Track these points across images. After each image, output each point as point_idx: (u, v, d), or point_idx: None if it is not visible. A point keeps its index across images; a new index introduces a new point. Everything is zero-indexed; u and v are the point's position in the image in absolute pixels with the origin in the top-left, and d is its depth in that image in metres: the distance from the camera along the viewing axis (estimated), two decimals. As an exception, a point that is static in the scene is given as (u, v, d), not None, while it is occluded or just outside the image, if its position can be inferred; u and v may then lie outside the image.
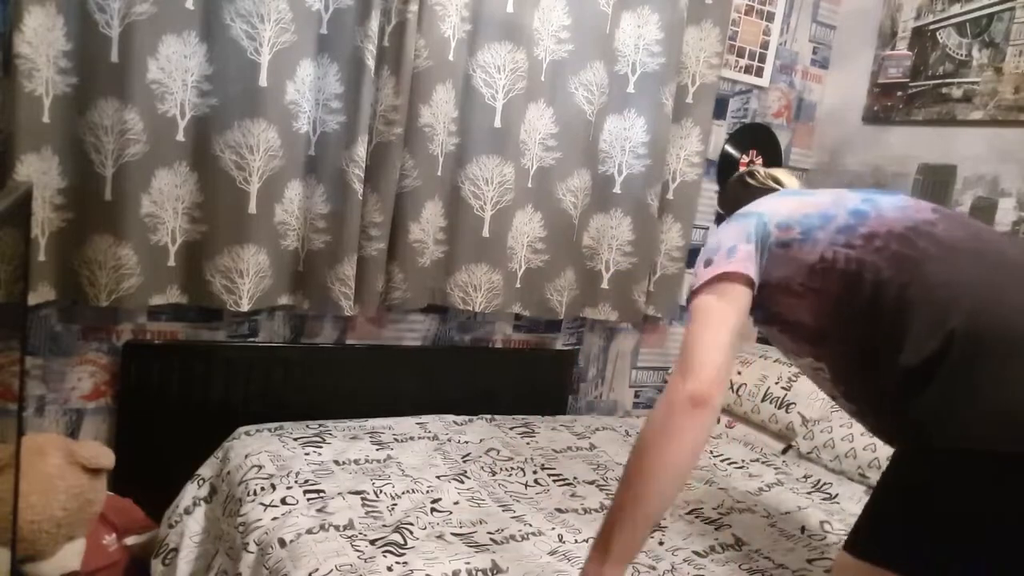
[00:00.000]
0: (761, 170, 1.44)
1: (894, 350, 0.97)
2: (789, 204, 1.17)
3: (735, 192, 1.44)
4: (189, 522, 1.64)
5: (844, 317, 1.05)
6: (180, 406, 1.85)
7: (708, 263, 1.13)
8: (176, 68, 1.68)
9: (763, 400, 2.22)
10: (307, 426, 1.84)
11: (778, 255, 1.12)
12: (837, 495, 1.86)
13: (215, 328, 1.93)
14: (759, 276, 1.12)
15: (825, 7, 2.63)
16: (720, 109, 2.50)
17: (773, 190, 1.37)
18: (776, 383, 2.23)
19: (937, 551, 0.89)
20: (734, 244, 1.13)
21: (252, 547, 1.35)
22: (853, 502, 1.83)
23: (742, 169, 1.49)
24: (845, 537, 1.02)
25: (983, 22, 2.17)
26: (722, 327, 1.06)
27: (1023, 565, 0.85)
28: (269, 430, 1.78)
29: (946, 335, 0.92)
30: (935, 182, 2.28)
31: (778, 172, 1.42)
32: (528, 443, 1.96)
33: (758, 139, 2.59)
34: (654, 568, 1.39)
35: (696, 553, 1.47)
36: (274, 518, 1.39)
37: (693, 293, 1.13)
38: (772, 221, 1.15)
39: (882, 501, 0.97)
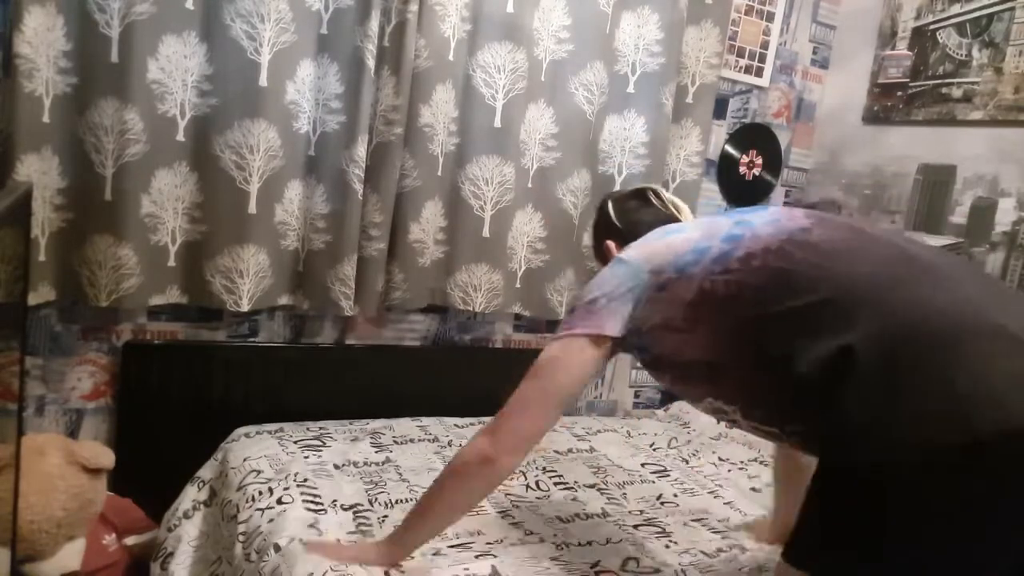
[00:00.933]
0: (664, 193, 1.40)
1: (788, 365, 0.95)
2: (661, 246, 1.16)
3: (634, 208, 1.39)
4: (187, 526, 1.63)
5: (732, 343, 1.03)
6: (180, 406, 1.85)
7: (571, 311, 1.17)
8: (176, 68, 1.68)
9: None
10: (307, 428, 1.83)
11: (657, 299, 1.11)
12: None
13: (215, 328, 1.93)
14: (626, 327, 1.13)
15: (825, 7, 2.63)
16: (720, 109, 2.50)
17: (673, 216, 1.35)
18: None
19: (875, 562, 0.85)
20: (597, 296, 1.15)
21: (253, 556, 1.34)
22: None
23: (639, 186, 1.45)
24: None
25: (983, 22, 2.17)
26: (552, 405, 1.13)
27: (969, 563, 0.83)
28: (269, 432, 1.78)
29: (844, 343, 0.89)
30: (935, 182, 2.28)
31: (676, 200, 1.39)
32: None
33: (758, 139, 2.59)
34: (659, 573, 1.39)
35: (704, 553, 1.47)
36: (270, 520, 1.39)
37: (556, 335, 1.16)
38: (645, 268, 1.14)
39: (814, 512, 0.92)
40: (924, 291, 0.91)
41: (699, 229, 1.15)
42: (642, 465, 1.93)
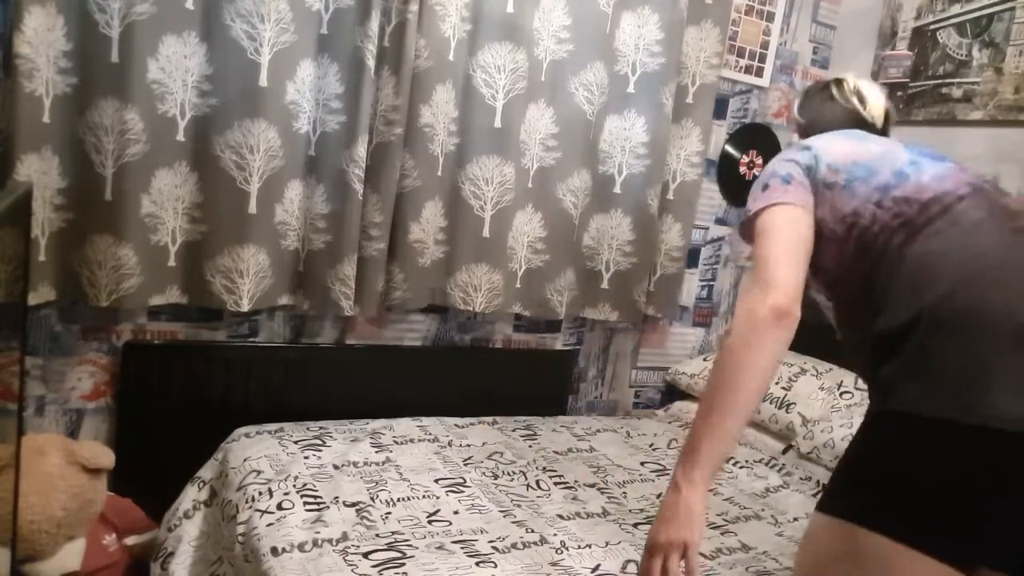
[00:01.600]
0: (851, 81, 1.39)
1: (874, 313, 1.02)
2: (844, 147, 1.18)
3: (817, 102, 1.41)
4: (188, 526, 1.63)
5: (852, 271, 1.09)
6: (180, 406, 1.85)
7: (765, 187, 1.16)
8: (176, 68, 1.68)
9: (763, 400, 2.22)
10: (307, 428, 1.83)
11: (822, 194, 1.14)
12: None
13: (215, 328, 1.93)
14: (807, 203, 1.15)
15: (825, 7, 2.63)
16: (720, 109, 2.50)
17: (855, 111, 1.36)
18: (776, 383, 2.23)
19: (884, 506, 0.91)
20: (789, 173, 1.16)
21: (251, 557, 1.34)
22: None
23: (831, 77, 1.44)
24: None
25: (983, 22, 2.17)
26: (792, 242, 1.10)
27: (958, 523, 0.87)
28: (269, 432, 1.78)
29: (917, 310, 0.95)
30: (935, 182, 2.28)
31: (865, 87, 1.38)
32: (530, 445, 1.96)
33: (758, 139, 2.59)
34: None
35: (703, 555, 1.47)
36: (269, 524, 1.39)
37: (752, 216, 1.15)
38: (824, 160, 1.16)
39: (844, 460, 1.00)
40: (1007, 290, 0.92)
41: (882, 147, 1.17)
42: (642, 464, 1.93)
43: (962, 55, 2.22)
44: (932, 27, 2.32)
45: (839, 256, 1.11)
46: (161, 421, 1.83)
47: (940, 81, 2.28)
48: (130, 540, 1.69)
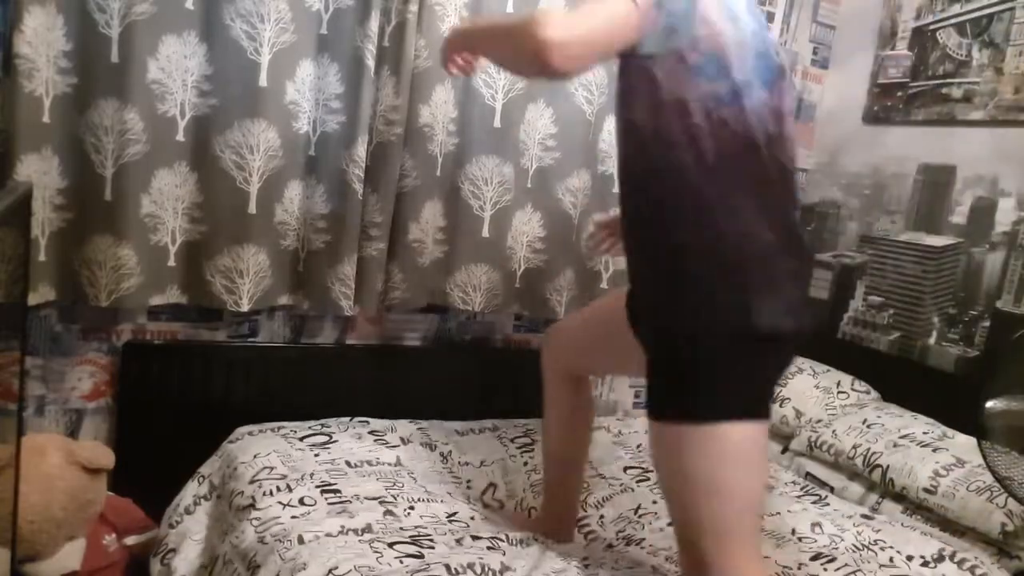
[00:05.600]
0: None
1: None
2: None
3: None
4: (190, 522, 1.64)
5: None
6: (180, 406, 1.85)
7: None
8: (176, 68, 1.68)
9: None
10: (308, 427, 1.83)
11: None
12: (826, 496, 1.86)
13: (215, 328, 1.93)
14: None
15: (825, 7, 2.63)
16: (720, 109, 2.49)
17: None
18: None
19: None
20: None
21: (268, 539, 1.35)
22: (845, 504, 1.83)
23: None
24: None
25: (983, 22, 2.17)
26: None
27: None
28: (271, 430, 1.78)
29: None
30: (935, 182, 2.28)
31: None
32: (526, 463, 1.88)
33: (758, 139, 2.59)
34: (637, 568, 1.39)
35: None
36: (293, 516, 1.41)
37: None
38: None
39: (660, 377, 1.20)
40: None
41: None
42: (624, 470, 1.90)
43: (962, 55, 2.22)
44: (932, 27, 2.32)
45: None
46: (161, 421, 1.83)
47: (940, 81, 2.28)
48: (130, 540, 1.69)
